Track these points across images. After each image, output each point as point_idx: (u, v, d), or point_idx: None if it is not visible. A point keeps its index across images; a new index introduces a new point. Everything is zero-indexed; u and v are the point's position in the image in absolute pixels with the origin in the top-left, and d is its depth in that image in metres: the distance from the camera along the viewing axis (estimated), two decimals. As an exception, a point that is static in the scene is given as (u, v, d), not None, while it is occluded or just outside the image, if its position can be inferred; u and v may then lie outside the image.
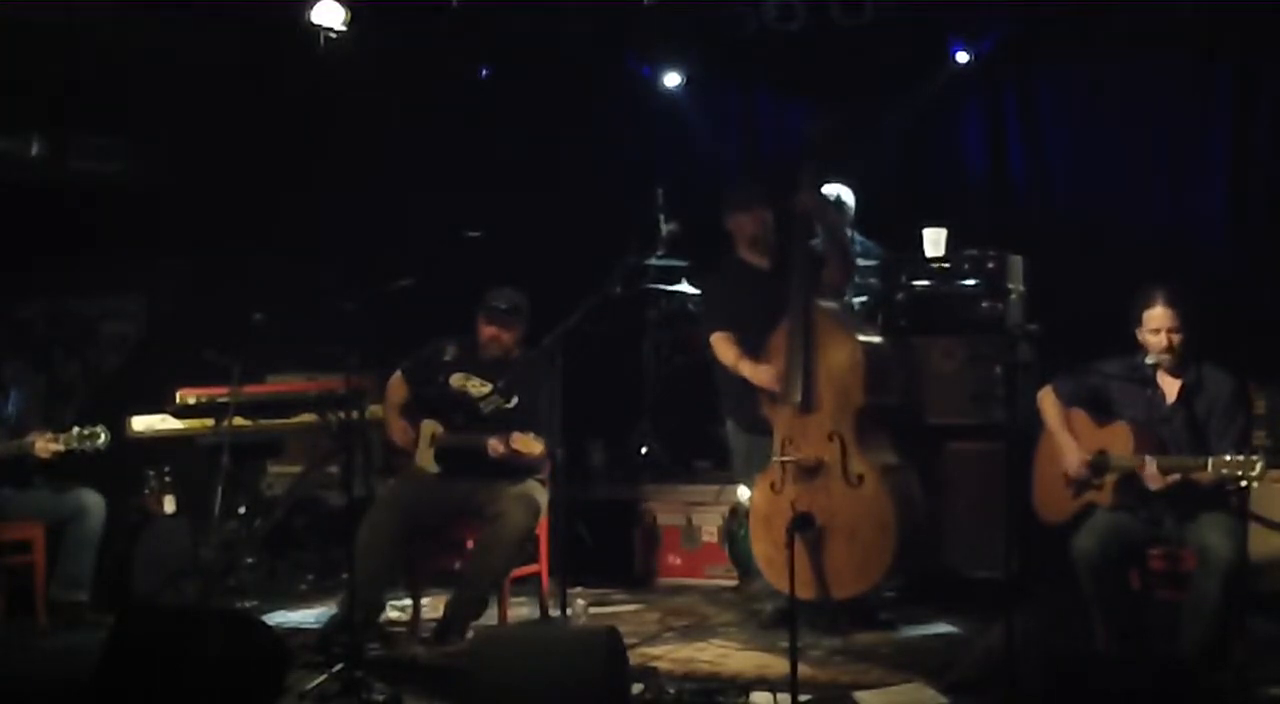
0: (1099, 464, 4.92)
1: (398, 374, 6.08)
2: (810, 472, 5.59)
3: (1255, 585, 5.03)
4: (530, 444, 5.51)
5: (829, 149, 5.80)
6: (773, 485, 5.67)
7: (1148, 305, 4.91)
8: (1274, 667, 4.80)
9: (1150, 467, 4.73)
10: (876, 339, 5.80)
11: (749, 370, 5.70)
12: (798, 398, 5.59)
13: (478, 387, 5.88)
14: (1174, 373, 4.94)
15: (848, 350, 5.59)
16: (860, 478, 5.51)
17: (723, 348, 5.81)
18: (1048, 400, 5.15)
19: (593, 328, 5.45)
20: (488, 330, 5.91)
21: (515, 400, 5.59)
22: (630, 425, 7.51)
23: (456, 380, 5.96)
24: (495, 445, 5.57)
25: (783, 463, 5.62)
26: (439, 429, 5.89)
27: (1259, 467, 4.44)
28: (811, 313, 5.63)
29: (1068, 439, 5.02)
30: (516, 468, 5.74)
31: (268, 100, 7.71)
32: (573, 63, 7.90)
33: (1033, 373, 5.66)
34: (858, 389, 5.56)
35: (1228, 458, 4.54)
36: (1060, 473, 5.06)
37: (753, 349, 5.75)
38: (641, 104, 8.15)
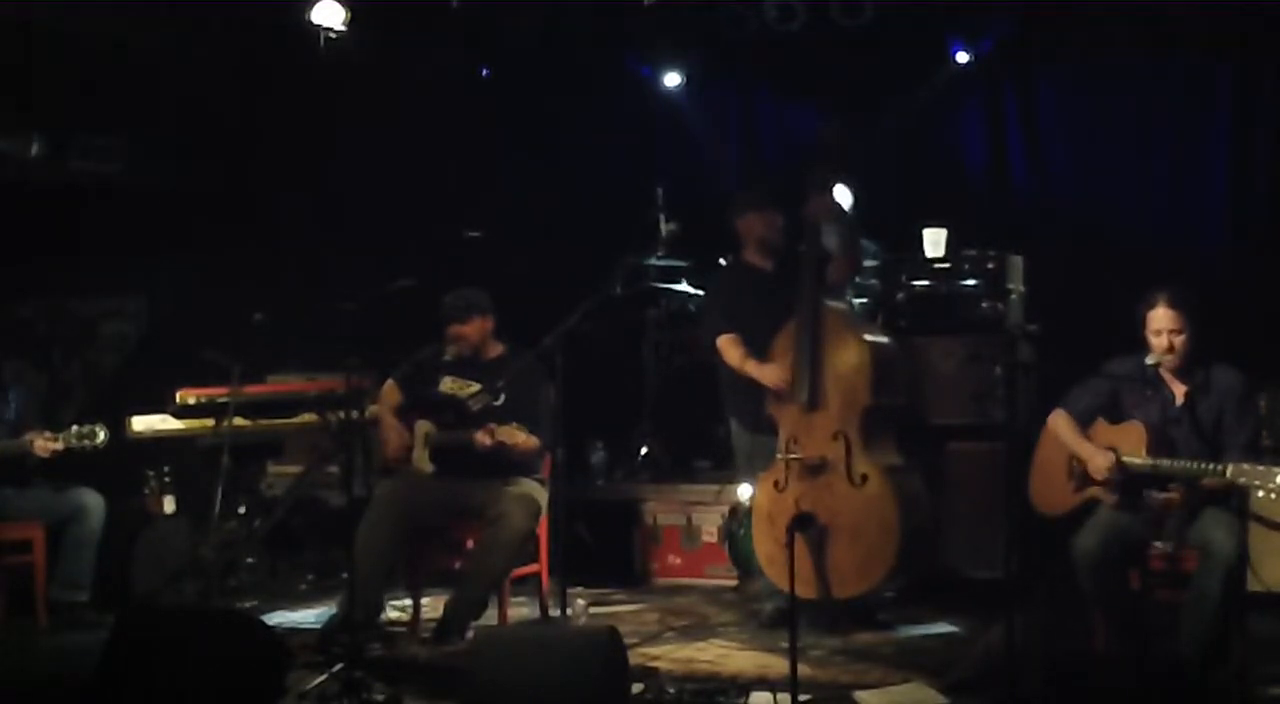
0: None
1: (390, 382, 6.09)
2: (814, 470, 5.59)
3: (1254, 585, 5.02)
4: (514, 434, 5.53)
5: (839, 151, 5.80)
6: (777, 484, 5.67)
7: (1150, 306, 4.88)
8: (1274, 667, 4.80)
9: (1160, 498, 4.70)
10: (884, 339, 5.81)
11: (754, 370, 5.71)
12: (804, 396, 5.60)
13: (464, 387, 5.89)
14: (1180, 374, 4.91)
15: (856, 350, 5.60)
16: (864, 477, 5.51)
17: (729, 349, 5.82)
18: (1061, 425, 5.04)
19: (593, 328, 5.45)
20: (450, 331, 5.96)
21: (503, 398, 5.60)
22: (630, 425, 7.50)
23: (447, 384, 5.97)
24: (481, 438, 5.58)
25: (787, 460, 5.62)
26: (432, 429, 5.90)
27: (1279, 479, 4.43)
28: (820, 312, 5.63)
29: (1089, 448, 4.92)
30: (511, 464, 5.74)
31: (268, 100, 7.71)
32: (573, 63, 7.90)
33: (1033, 373, 5.66)
34: (864, 389, 5.57)
35: (1248, 467, 4.51)
36: (1063, 464, 5.04)
37: (757, 350, 5.76)
38: (641, 104, 8.16)
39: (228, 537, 6.54)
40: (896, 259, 6.67)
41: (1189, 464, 4.70)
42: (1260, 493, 4.51)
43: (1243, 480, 4.51)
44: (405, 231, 7.79)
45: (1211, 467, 4.61)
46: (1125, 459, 4.82)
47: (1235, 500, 4.72)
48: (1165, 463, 4.74)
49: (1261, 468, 4.48)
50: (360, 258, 7.50)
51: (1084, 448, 4.95)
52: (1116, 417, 5.00)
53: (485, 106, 8.21)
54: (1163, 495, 4.75)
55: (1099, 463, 4.87)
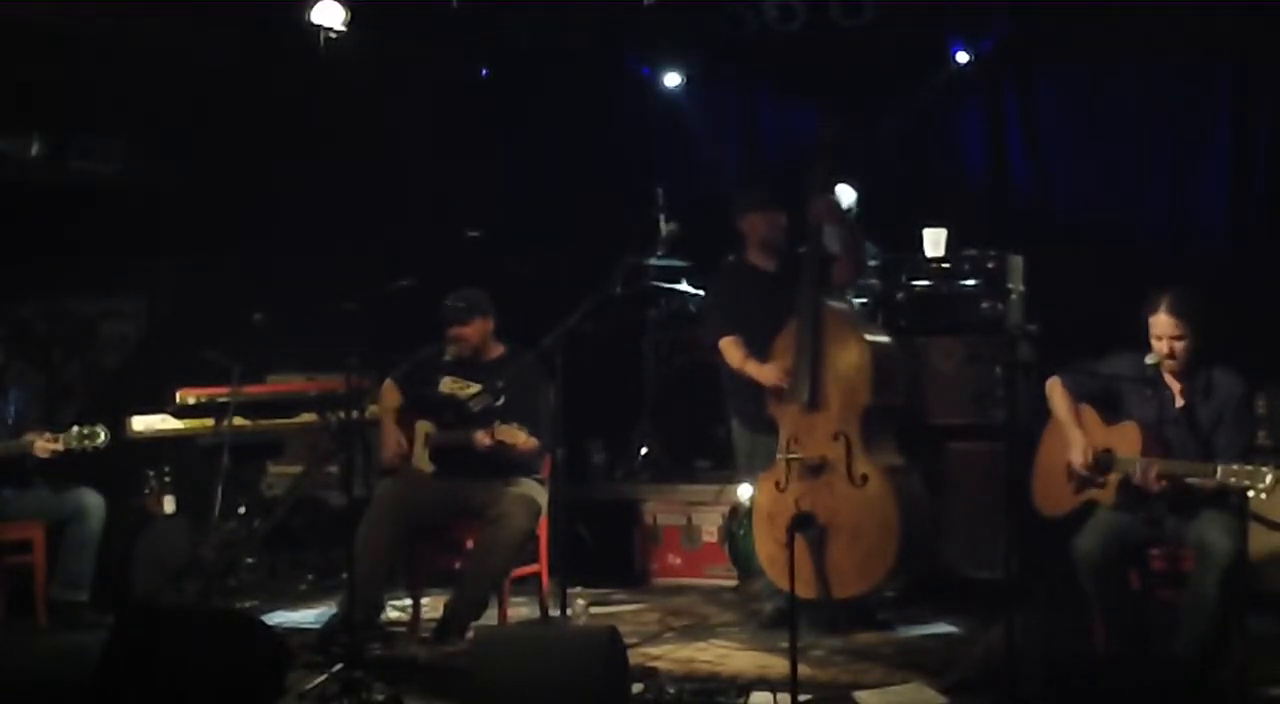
0: (1104, 461, 4.90)
1: (389, 381, 6.08)
2: (814, 470, 5.59)
3: (1255, 585, 5.02)
4: (514, 434, 5.54)
5: (840, 151, 5.80)
6: (777, 484, 5.67)
7: (1152, 311, 4.88)
8: (1274, 667, 4.80)
9: (1150, 472, 4.70)
10: (885, 339, 5.80)
11: (755, 370, 5.71)
12: (805, 396, 5.59)
13: (465, 388, 5.89)
14: (1182, 376, 4.92)
15: (856, 351, 5.60)
16: (864, 478, 5.51)
17: (730, 350, 5.82)
18: (1056, 391, 5.09)
19: (593, 328, 5.45)
20: (450, 331, 5.96)
21: (504, 398, 5.60)
22: (630, 425, 7.50)
23: (447, 384, 5.97)
24: (482, 438, 5.59)
25: (787, 460, 5.62)
26: (432, 429, 5.90)
27: (1269, 478, 4.42)
28: (821, 312, 5.63)
29: (1076, 432, 4.98)
30: (511, 464, 5.75)
31: (268, 100, 7.71)
32: (573, 63, 7.90)
33: (1033, 373, 5.66)
34: (865, 389, 5.56)
35: (1236, 467, 4.52)
36: (1063, 465, 5.05)
37: (758, 350, 5.76)
38: (641, 104, 8.16)
39: (228, 537, 6.54)
40: (896, 259, 6.67)
41: (1183, 466, 4.71)
42: (1251, 493, 4.51)
43: (1232, 481, 4.52)
44: (405, 231, 7.79)
45: (1205, 468, 4.62)
46: (1121, 458, 4.84)
47: (1234, 500, 4.71)
48: (1158, 462, 4.74)
49: (1249, 468, 4.49)
50: (360, 258, 7.50)
51: (1073, 431, 4.99)
52: (1116, 416, 5.01)
53: (485, 106, 8.21)
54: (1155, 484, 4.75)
55: (1075, 456, 4.94)
